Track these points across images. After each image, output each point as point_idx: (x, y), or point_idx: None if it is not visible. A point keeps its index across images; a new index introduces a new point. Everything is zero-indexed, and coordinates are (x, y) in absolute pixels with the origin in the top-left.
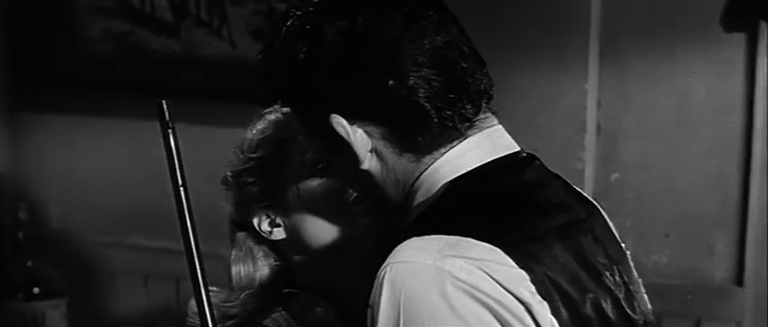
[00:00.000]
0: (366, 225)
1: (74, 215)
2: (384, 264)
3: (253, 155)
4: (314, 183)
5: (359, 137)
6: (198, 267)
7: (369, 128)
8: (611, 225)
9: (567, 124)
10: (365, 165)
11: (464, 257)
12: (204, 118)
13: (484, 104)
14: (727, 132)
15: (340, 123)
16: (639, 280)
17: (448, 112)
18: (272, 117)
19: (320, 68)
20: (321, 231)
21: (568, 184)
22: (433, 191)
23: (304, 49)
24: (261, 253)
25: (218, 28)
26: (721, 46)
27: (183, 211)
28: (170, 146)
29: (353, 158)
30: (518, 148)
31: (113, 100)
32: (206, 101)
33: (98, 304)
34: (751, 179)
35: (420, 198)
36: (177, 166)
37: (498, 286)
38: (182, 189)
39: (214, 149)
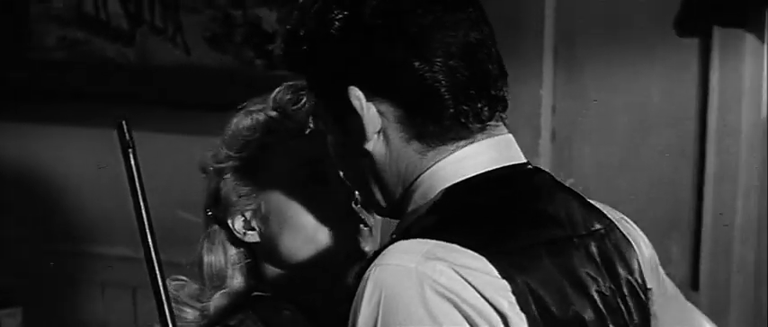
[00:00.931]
0: (348, 246)
1: (30, 223)
2: (371, 265)
3: (237, 155)
4: (296, 196)
5: (371, 114)
6: (161, 289)
7: (383, 107)
8: (633, 242)
9: (522, 129)
10: (370, 146)
11: (447, 262)
12: (159, 125)
13: (498, 112)
14: (681, 136)
15: (357, 96)
16: (647, 303)
17: (464, 107)
18: (260, 117)
19: (351, 37)
20: (299, 247)
21: (579, 199)
22: (430, 196)
23: (340, 16)
24: (233, 251)
25: (173, 35)
26: (675, 50)
27: (145, 232)
28: (130, 166)
29: (359, 138)
30: (524, 160)
31: (69, 107)
32: (161, 108)
33: (54, 313)
34: (705, 183)
35: (417, 200)
36: (138, 186)
37: (477, 294)
38: (143, 209)
39: (171, 156)
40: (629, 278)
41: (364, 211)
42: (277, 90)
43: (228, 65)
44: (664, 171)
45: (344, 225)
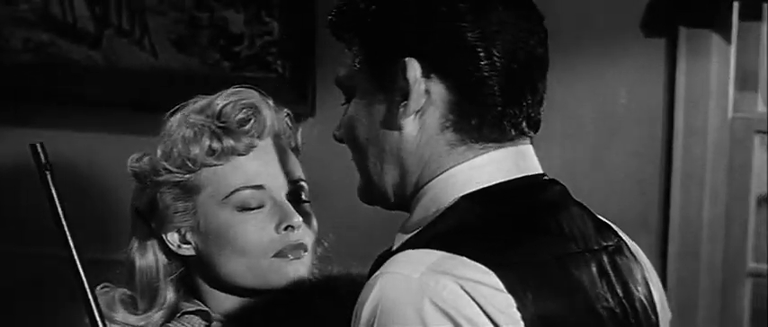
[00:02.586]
0: (287, 269)
1: None
2: (378, 272)
3: (177, 171)
4: (238, 218)
5: (420, 91)
6: (93, 303)
7: (434, 88)
8: (638, 257)
9: None
10: (406, 122)
11: (451, 275)
12: (125, 126)
13: (531, 129)
14: (649, 136)
15: (414, 67)
16: (658, 322)
17: (509, 110)
18: (203, 131)
19: (432, 11)
20: (242, 270)
21: (591, 214)
22: (443, 202)
23: None
24: (165, 259)
25: (140, 38)
26: (641, 51)
27: (72, 252)
28: (49, 188)
29: (394, 113)
30: (540, 171)
31: (33, 110)
32: (127, 110)
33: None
34: (672, 182)
35: (426, 203)
36: (59, 208)
37: (479, 310)
38: (66, 229)
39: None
40: (640, 295)
41: (306, 235)
42: (224, 103)
43: (195, 67)
44: (631, 171)
45: (285, 249)
